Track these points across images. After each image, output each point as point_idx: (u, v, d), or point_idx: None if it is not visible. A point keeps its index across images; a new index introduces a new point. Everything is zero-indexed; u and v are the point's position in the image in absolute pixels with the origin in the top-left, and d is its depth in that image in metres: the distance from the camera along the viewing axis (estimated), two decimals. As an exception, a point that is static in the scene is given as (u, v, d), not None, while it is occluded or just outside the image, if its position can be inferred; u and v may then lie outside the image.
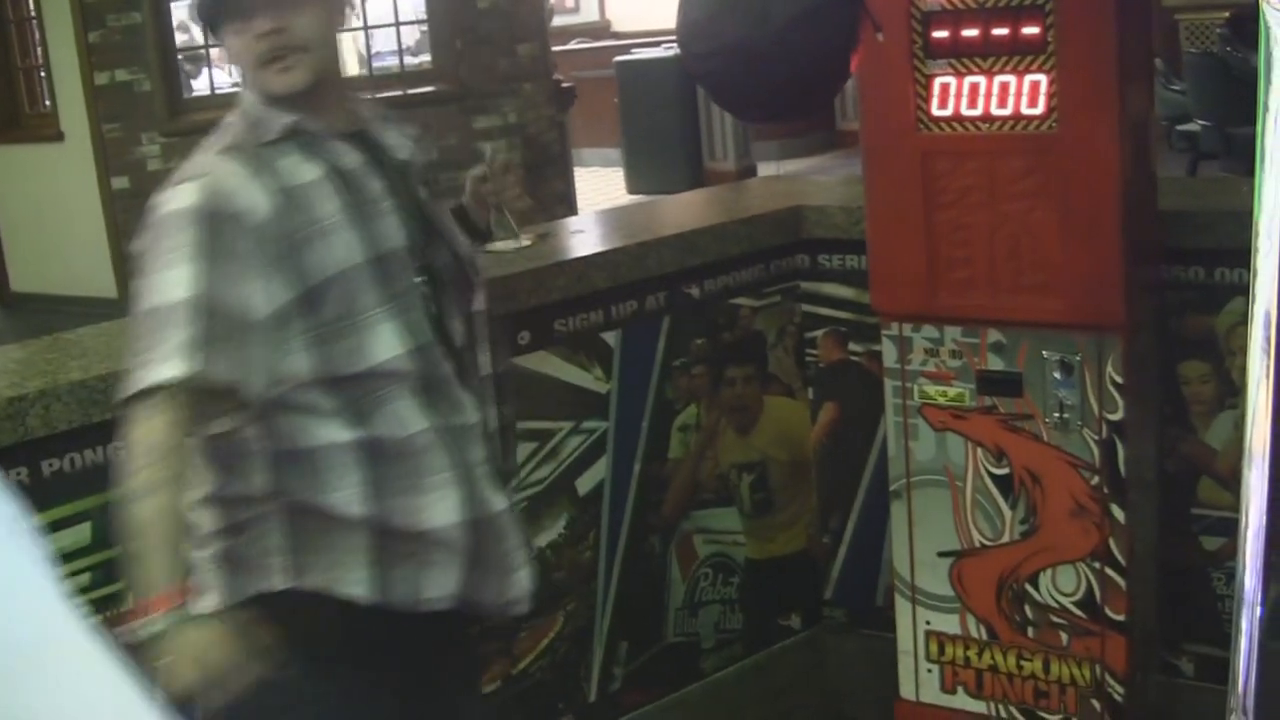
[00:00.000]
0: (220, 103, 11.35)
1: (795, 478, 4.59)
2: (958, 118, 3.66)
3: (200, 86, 11.71)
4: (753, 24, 1.92)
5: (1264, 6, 1.85)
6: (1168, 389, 3.97)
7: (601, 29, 19.62)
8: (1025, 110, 3.58)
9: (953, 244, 3.71)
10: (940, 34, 3.66)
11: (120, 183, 11.00)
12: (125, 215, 10.94)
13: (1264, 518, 1.81)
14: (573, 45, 17.09)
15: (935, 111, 3.68)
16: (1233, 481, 3.88)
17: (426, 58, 11.60)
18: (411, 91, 11.21)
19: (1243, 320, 3.82)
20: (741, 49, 1.85)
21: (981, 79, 3.63)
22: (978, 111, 3.63)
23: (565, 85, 11.92)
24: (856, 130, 4.04)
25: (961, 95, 3.65)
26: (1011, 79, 3.59)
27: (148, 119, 10.91)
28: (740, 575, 4.49)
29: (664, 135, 14.22)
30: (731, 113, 3.16)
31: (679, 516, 4.32)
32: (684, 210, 5.24)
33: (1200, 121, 10.88)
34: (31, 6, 11.76)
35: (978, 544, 3.86)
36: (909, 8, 3.66)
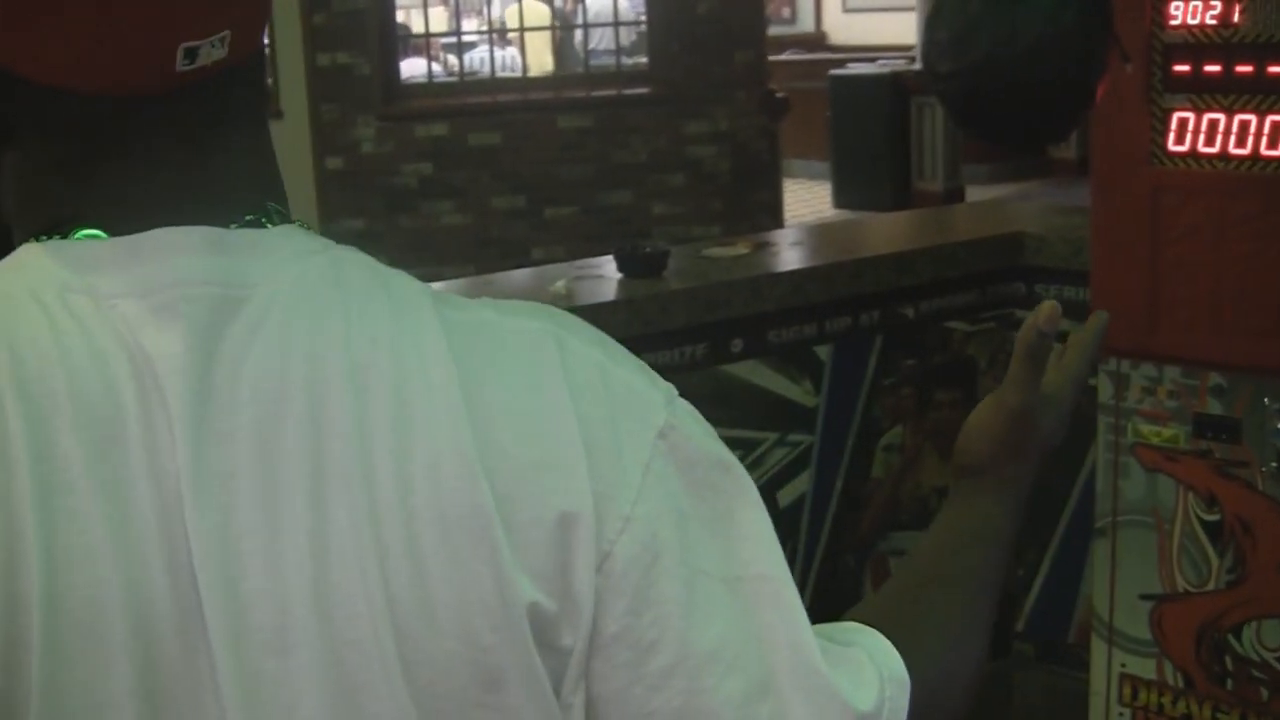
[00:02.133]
0: (436, 90, 11.54)
1: (995, 506, 4.53)
2: (1193, 154, 3.59)
3: (416, 72, 11.87)
4: (1000, 44, 1.89)
5: None
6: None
7: (816, 40, 19.59)
8: (1265, 151, 3.50)
9: (1178, 282, 3.64)
10: (1182, 68, 3.59)
11: (334, 163, 11.17)
12: (338, 194, 11.12)
13: None
14: (787, 56, 17.07)
15: (1171, 146, 3.61)
16: None
17: (643, 59, 11.65)
18: (626, 92, 11.27)
19: None
20: (987, 69, 1.82)
21: (1221, 116, 3.55)
22: (1214, 149, 3.56)
23: (779, 95, 11.91)
24: (1068, 158, 3.99)
25: (1200, 132, 3.58)
26: (1252, 118, 3.51)
27: (364, 102, 11.07)
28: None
29: (873, 151, 14.16)
30: (972, 133, 3.13)
31: (876, 536, 4.29)
32: (900, 229, 5.21)
33: None
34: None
35: (1181, 590, 3.78)
36: (1150, 39, 3.60)
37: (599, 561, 1.01)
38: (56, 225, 1.01)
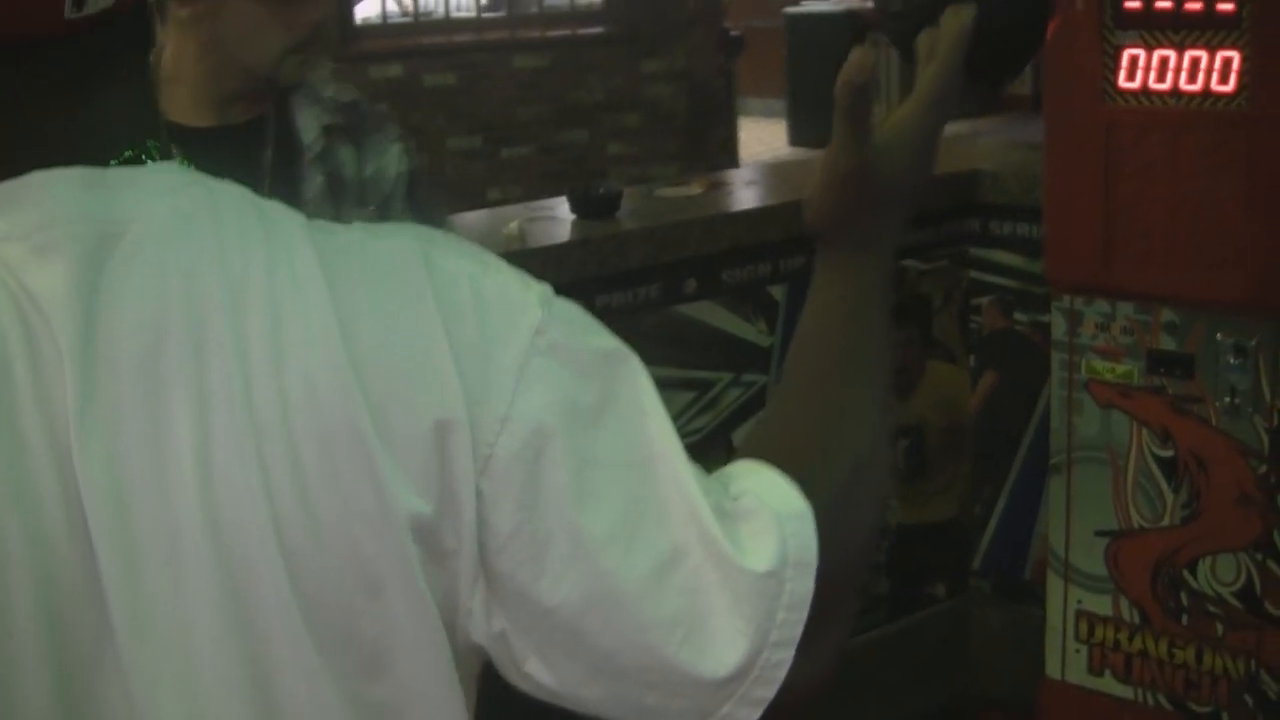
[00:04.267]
0: (390, 31, 11.47)
1: (951, 444, 4.55)
2: (1145, 90, 3.59)
3: (371, 13, 11.80)
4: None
5: None
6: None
7: (772, -22, 19.54)
8: (1215, 87, 3.50)
9: (1132, 218, 3.64)
10: (1133, 4, 3.58)
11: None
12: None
13: None
14: (742, -7, 17.02)
15: (1122, 83, 3.61)
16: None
17: (597, -2, 11.62)
18: (581, 32, 11.22)
19: None
20: (937, 11, 1.81)
21: (1171, 53, 3.55)
22: (1165, 86, 3.55)
23: (734, 34, 11.87)
24: (1022, 94, 3.99)
25: (1150, 69, 3.57)
26: (1203, 54, 3.51)
27: (320, 44, 11.01)
28: (889, 539, 4.46)
29: (829, 89, 14.04)
30: (923, 74, 3.11)
31: (832, 476, 4.29)
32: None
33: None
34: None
35: (1136, 525, 3.80)
36: (1101, -24, 3.60)
37: (481, 465, 1.03)
38: None
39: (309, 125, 2.76)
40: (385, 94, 10.82)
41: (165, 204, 1.03)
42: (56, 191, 1.01)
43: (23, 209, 1.00)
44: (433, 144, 11.07)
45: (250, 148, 2.66)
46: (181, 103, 2.58)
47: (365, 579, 1.01)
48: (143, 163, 1.06)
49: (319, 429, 1.00)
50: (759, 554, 1.09)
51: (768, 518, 1.11)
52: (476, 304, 1.06)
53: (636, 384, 1.10)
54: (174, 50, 2.59)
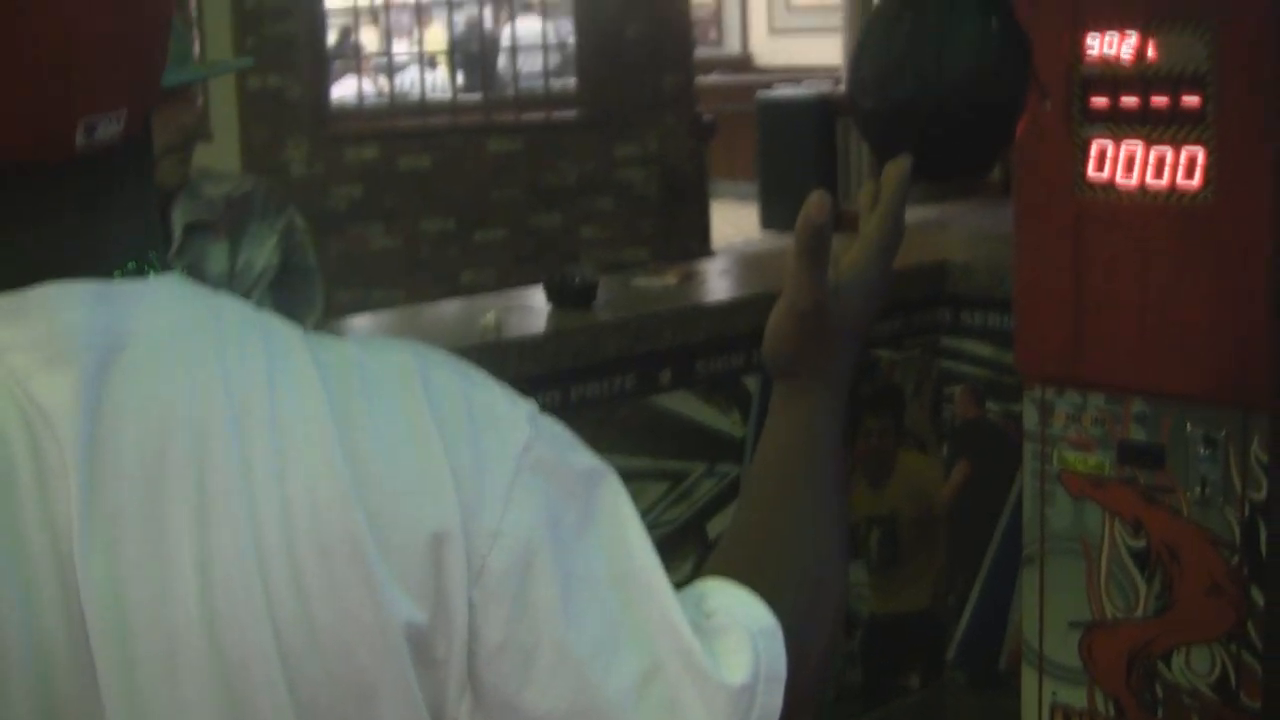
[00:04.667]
0: (366, 113, 11.52)
1: (924, 534, 4.56)
2: (1112, 184, 3.63)
3: (347, 93, 11.85)
4: (924, 81, 1.91)
5: None
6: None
7: (743, 63, 19.64)
8: (1180, 182, 3.54)
9: (1102, 310, 3.67)
10: (1099, 100, 3.62)
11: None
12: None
13: None
14: (714, 78, 17.11)
15: (1091, 175, 3.65)
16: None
17: (571, 81, 11.67)
18: (555, 115, 11.28)
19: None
20: (909, 110, 1.84)
21: (1139, 146, 3.59)
22: (1133, 181, 3.59)
23: (706, 118, 11.94)
24: (992, 180, 4.03)
25: (1118, 162, 3.61)
26: (1168, 150, 3.55)
27: (295, 125, 11.03)
28: (863, 629, 4.46)
29: (800, 173, 14.18)
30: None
31: (805, 565, 4.30)
32: (827, 257, 5.23)
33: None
34: (194, 9, 11.95)
35: (1110, 617, 3.81)
36: (1069, 71, 3.63)
37: (474, 576, 1.06)
38: None
39: (176, 223, 2.83)
40: (360, 176, 10.88)
41: (169, 317, 1.06)
42: (64, 304, 1.04)
43: (31, 320, 1.03)
44: (407, 226, 11.10)
45: None
46: None
47: (360, 686, 1.04)
48: (145, 274, 1.09)
49: (319, 539, 1.03)
50: (734, 668, 1.14)
51: (740, 634, 1.16)
52: (470, 420, 1.10)
53: (617, 500, 1.14)
54: None
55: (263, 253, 2.92)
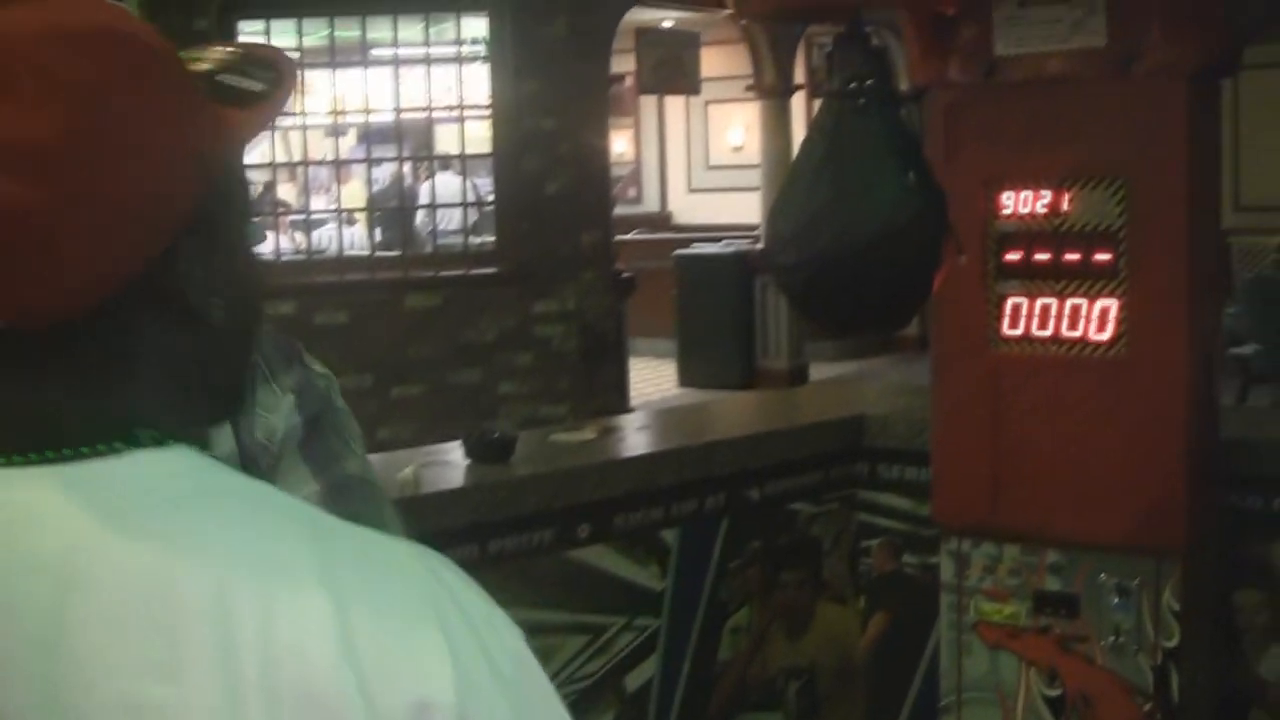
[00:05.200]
0: (282, 269, 11.51)
1: (843, 685, 4.56)
2: (1028, 338, 3.69)
3: (264, 250, 11.86)
4: (842, 239, 1.96)
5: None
6: (1221, 616, 3.95)
7: (662, 220, 19.80)
8: (1094, 335, 3.61)
9: (1018, 461, 3.72)
10: (1013, 255, 3.70)
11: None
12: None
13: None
14: (633, 235, 17.24)
15: (1006, 331, 3.71)
16: (1284, 715, 3.88)
17: (490, 238, 11.72)
18: (473, 272, 11.32)
19: (1300, 552, 3.83)
20: (828, 264, 1.89)
21: (1053, 301, 3.66)
22: (1047, 333, 3.66)
23: (625, 275, 12.02)
24: (911, 335, 4.08)
25: (1033, 316, 3.68)
26: (1083, 302, 3.62)
27: (211, 283, 11.03)
28: (785, 781, 4.45)
29: (719, 330, 14.30)
30: (815, 325, 3.21)
31: (724, 718, 4.29)
32: (746, 412, 5.28)
33: (1252, 345, 10.91)
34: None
35: (1029, 765, 3.82)
36: (985, 228, 3.71)
37: None
38: None
39: None
40: (276, 331, 10.84)
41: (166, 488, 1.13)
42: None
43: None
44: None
45: None
46: None
47: None
48: (163, 444, 1.15)
49: (306, 688, 1.06)
50: None
51: None
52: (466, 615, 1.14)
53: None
54: None
55: (280, 418, 2.87)
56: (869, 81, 2.50)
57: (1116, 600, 3.67)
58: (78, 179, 1.11)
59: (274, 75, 1.30)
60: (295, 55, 11.56)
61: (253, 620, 1.06)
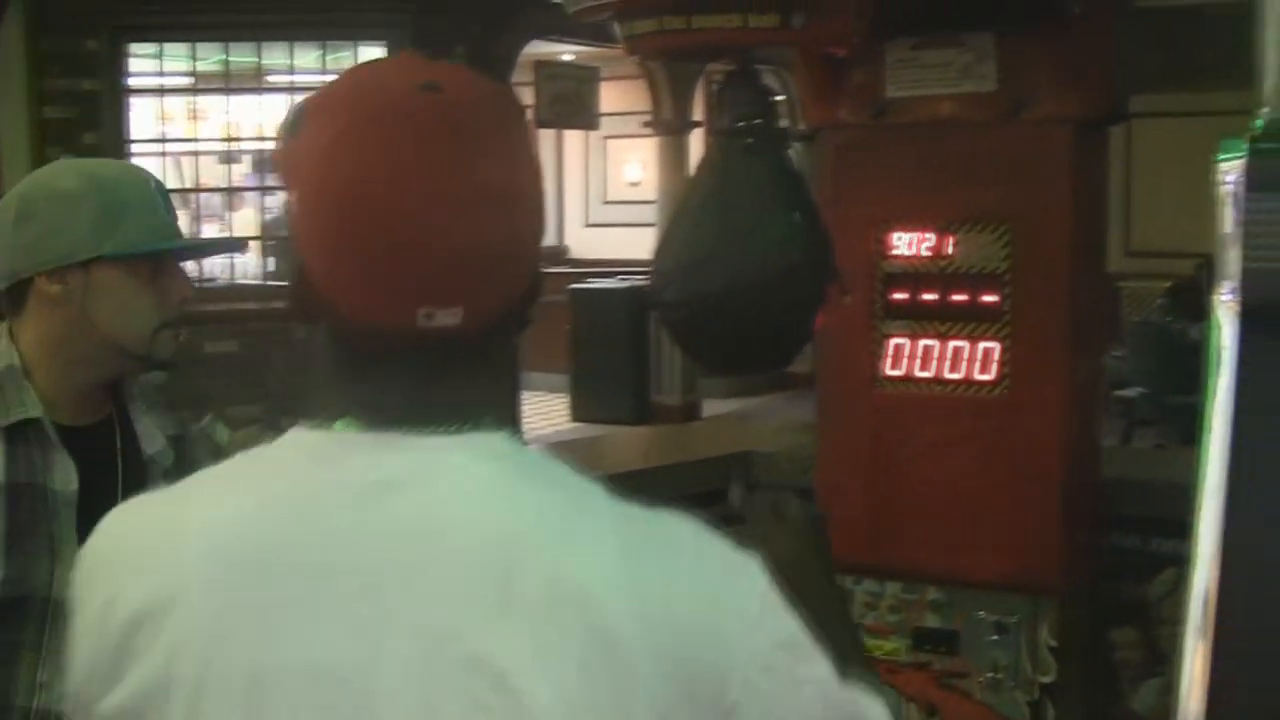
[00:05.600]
0: (235, 294, 11.41)
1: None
2: (909, 378, 3.74)
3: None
4: (724, 279, 1.99)
5: (1216, 301, 1.92)
6: (1097, 653, 4.01)
7: (557, 255, 19.81)
8: (977, 376, 3.66)
9: (899, 500, 3.76)
10: (900, 296, 3.74)
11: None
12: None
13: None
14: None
15: (888, 371, 3.76)
16: (1157, 750, 3.93)
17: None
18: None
19: (1172, 590, 3.89)
20: (712, 303, 1.92)
21: (935, 342, 3.71)
22: (930, 374, 3.71)
23: (519, 308, 12.01)
24: (804, 373, 4.12)
25: (915, 357, 3.73)
26: (965, 344, 3.68)
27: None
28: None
29: (612, 366, 14.34)
30: (698, 362, 3.23)
31: None
32: (636, 446, 5.31)
33: (1138, 388, 11.06)
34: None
35: (906, 800, 3.86)
36: (873, 269, 3.75)
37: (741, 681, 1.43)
38: (327, 412, 1.50)
39: (152, 434, 2.76)
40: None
41: (496, 465, 1.46)
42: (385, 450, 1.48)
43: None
44: (213, 412, 10.98)
45: (100, 452, 2.62)
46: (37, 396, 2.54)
47: None
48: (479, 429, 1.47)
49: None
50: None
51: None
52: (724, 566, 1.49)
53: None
54: (37, 334, 2.56)
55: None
56: (757, 121, 2.54)
57: (995, 637, 3.72)
58: (527, 214, 1.49)
59: None
60: (189, 80, 11.53)
61: (555, 564, 1.38)
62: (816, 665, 1.48)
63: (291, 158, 1.49)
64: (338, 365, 1.52)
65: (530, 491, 1.44)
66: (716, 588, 1.43)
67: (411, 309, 1.43)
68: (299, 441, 1.51)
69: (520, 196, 1.49)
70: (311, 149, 1.46)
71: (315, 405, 1.50)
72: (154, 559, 1.46)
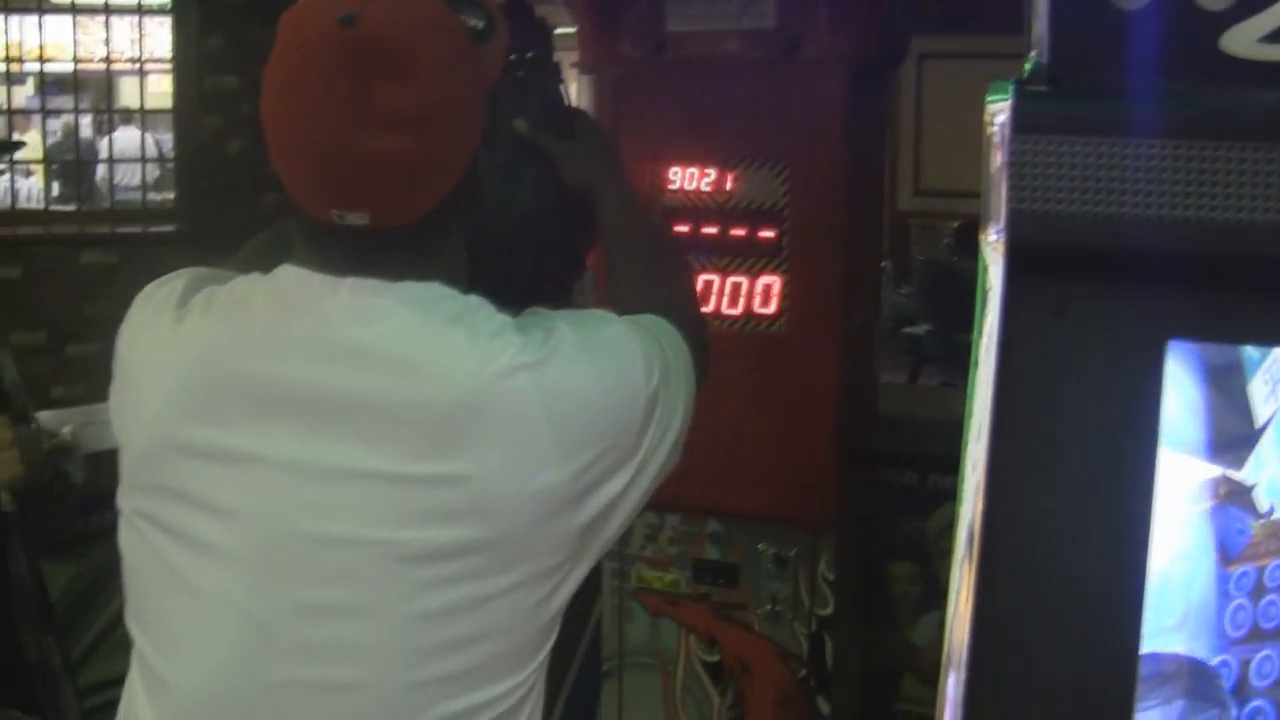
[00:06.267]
0: (17, 218, 11.15)
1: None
2: (691, 312, 3.75)
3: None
4: (491, 213, 1.98)
5: (983, 242, 1.95)
6: (876, 587, 4.08)
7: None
8: (757, 309, 3.69)
9: (678, 433, 3.78)
10: (681, 229, 3.75)
11: None
12: None
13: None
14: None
15: (665, 306, 3.76)
16: (935, 679, 4.01)
17: (170, 195, 11.49)
18: (152, 229, 11.09)
19: (950, 526, 3.96)
20: (478, 236, 1.91)
21: (715, 277, 3.73)
22: (709, 308, 3.71)
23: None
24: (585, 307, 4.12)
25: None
26: (744, 280, 3.70)
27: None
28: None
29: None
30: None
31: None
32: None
33: (924, 325, 11.22)
34: None
35: (684, 729, 3.91)
36: (651, 202, 3.75)
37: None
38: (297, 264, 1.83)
39: None
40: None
41: (447, 306, 1.80)
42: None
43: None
44: (-5, 341, 10.74)
45: None
46: None
47: None
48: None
49: None
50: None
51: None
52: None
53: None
54: None
55: None
56: (529, 54, 2.52)
57: (773, 570, 3.77)
58: (438, 135, 1.73)
59: (483, 13, 1.85)
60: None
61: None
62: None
63: None
64: (304, 235, 1.82)
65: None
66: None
67: (326, 209, 1.74)
68: (275, 280, 1.83)
69: (430, 117, 1.73)
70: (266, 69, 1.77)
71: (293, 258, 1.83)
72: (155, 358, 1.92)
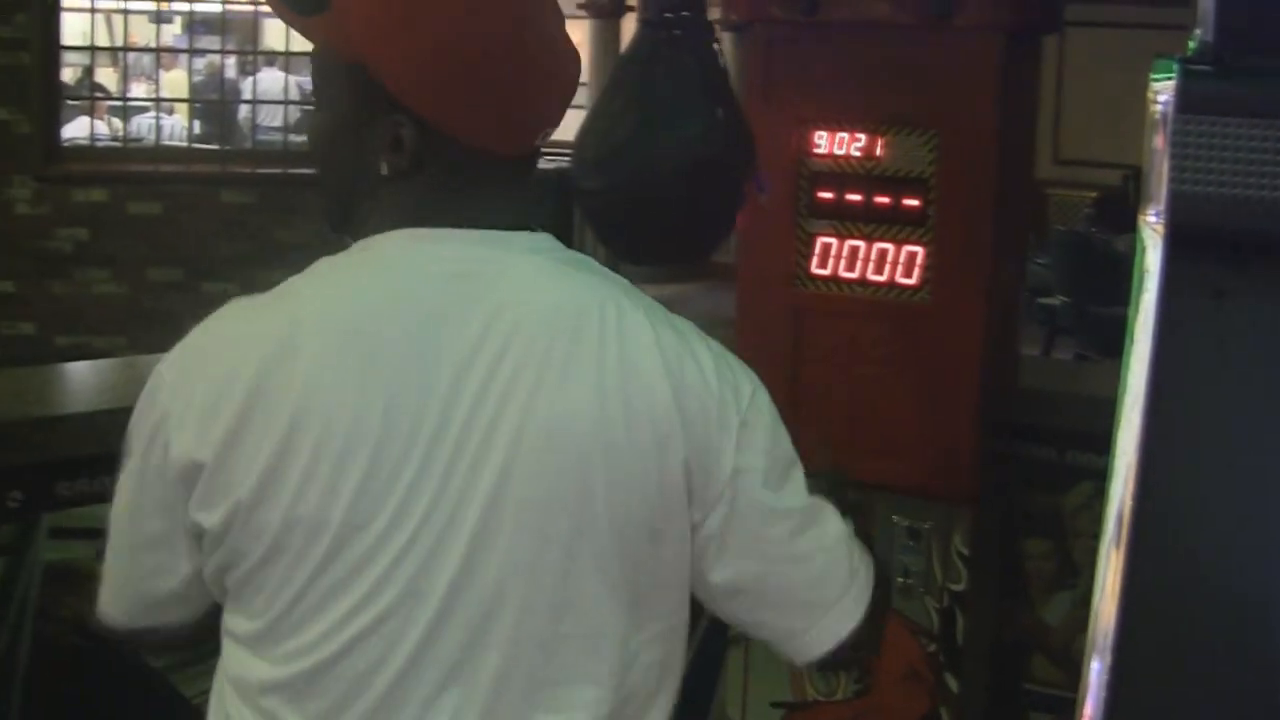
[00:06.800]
0: (97, 155, 11.30)
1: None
2: (835, 278, 3.71)
3: (78, 134, 11.61)
4: (643, 170, 1.97)
5: (1142, 223, 1.90)
6: (1009, 563, 4.03)
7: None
8: (900, 279, 3.64)
9: (815, 401, 3.75)
10: (826, 195, 3.71)
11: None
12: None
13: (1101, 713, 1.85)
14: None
15: (814, 270, 3.73)
16: (1065, 659, 3.96)
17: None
18: (292, 171, 11.19)
19: (1087, 504, 3.91)
20: (628, 193, 1.91)
21: (861, 243, 3.69)
22: (854, 275, 3.68)
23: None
24: (725, 263, 4.09)
25: (841, 257, 3.70)
26: (890, 247, 3.65)
27: (22, 161, 10.77)
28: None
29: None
30: (613, 252, 3.22)
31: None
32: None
33: (1060, 296, 11.10)
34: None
35: (810, 699, 3.88)
36: (797, 166, 3.72)
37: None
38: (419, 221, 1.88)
39: None
40: (87, 219, 10.64)
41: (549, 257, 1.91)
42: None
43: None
44: (133, 273, 10.88)
45: None
46: None
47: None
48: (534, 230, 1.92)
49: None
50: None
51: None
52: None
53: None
54: None
55: None
56: (684, 12, 2.51)
57: (908, 542, 3.73)
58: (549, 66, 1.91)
59: None
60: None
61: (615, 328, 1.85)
62: (795, 473, 2.08)
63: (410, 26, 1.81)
64: (428, 187, 1.86)
65: (581, 276, 1.89)
66: (721, 387, 1.93)
67: (536, 132, 1.87)
68: (395, 241, 1.87)
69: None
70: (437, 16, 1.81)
71: (409, 217, 1.87)
72: (270, 333, 1.86)
